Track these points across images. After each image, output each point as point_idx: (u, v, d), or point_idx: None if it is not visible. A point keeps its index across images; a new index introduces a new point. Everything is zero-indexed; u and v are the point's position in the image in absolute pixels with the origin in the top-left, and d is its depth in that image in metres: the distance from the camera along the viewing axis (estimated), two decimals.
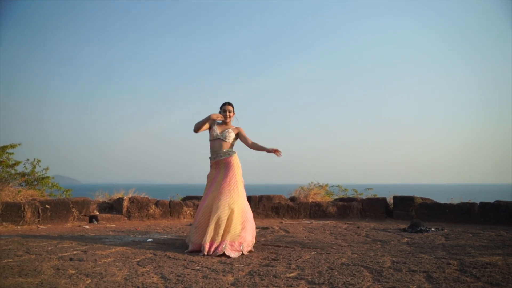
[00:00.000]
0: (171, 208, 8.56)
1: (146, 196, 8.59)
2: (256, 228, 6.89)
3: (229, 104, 5.07)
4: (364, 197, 10.36)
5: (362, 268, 3.64)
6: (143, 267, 3.59)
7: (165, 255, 4.23)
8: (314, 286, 3.04)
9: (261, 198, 9.30)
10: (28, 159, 8.01)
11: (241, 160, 5.04)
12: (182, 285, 2.99)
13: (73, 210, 7.30)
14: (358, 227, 7.23)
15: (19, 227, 6.52)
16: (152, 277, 3.23)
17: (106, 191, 8.82)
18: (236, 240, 4.48)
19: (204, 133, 5.09)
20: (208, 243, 4.37)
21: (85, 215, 7.48)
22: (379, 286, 3.03)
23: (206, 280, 3.14)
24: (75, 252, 4.19)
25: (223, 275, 3.33)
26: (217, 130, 4.98)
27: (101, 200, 8.37)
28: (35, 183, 7.96)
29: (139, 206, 8.18)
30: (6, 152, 7.75)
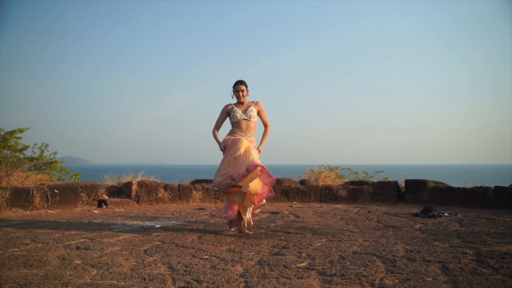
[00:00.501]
0: (180, 192, 8.51)
1: (155, 180, 8.55)
2: (266, 212, 6.84)
3: (241, 83, 4.94)
4: (375, 180, 10.24)
5: (374, 258, 3.54)
6: (151, 256, 3.53)
7: (173, 242, 4.16)
8: (326, 277, 2.95)
9: None
10: (36, 144, 7.99)
11: None
12: (190, 277, 2.91)
13: (82, 194, 7.28)
14: (369, 212, 7.12)
15: (28, 212, 6.51)
16: (159, 267, 3.16)
17: (115, 174, 8.79)
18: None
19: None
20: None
21: (94, 200, 7.46)
22: (393, 277, 2.93)
23: (214, 271, 3.06)
24: (82, 240, 4.14)
25: (232, 265, 3.25)
26: (239, 111, 4.88)
27: (110, 184, 8.35)
28: (44, 167, 7.93)
29: (148, 190, 8.14)
30: (14, 137, 7.72)
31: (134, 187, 8.03)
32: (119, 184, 8.33)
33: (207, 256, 3.58)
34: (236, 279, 2.86)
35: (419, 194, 8.54)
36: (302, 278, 2.91)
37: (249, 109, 4.89)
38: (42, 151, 8.01)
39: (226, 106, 4.97)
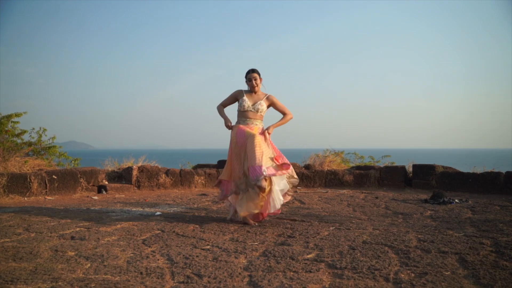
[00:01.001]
0: (181, 177, 8.32)
1: (156, 165, 8.35)
2: None
3: (254, 71, 4.67)
4: (381, 164, 10.02)
5: (386, 248, 3.33)
6: (149, 247, 3.33)
7: (173, 231, 3.96)
8: (336, 271, 2.74)
9: None
10: (33, 128, 7.77)
11: None
12: (190, 270, 2.71)
13: (81, 180, 7.09)
14: (377, 198, 6.91)
15: (25, 198, 6.34)
16: (158, 259, 2.96)
17: (116, 159, 8.59)
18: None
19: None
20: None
21: (93, 185, 7.27)
22: (408, 271, 2.72)
23: (216, 264, 2.86)
24: (77, 229, 3.94)
25: (235, 257, 3.05)
26: (248, 101, 4.63)
27: (110, 169, 8.16)
28: (43, 152, 7.73)
29: (149, 175, 7.94)
30: (12, 121, 7.50)
31: (135, 172, 7.84)
32: (119, 169, 8.14)
33: (208, 247, 3.38)
34: (239, 273, 2.66)
35: (427, 179, 8.32)
36: (310, 271, 2.71)
37: (259, 102, 4.64)
38: (40, 136, 7.79)
39: (238, 91, 4.75)
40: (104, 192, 7.28)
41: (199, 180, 8.46)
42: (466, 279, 2.57)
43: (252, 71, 4.66)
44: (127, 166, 8.08)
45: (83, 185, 7.11)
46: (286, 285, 2.43)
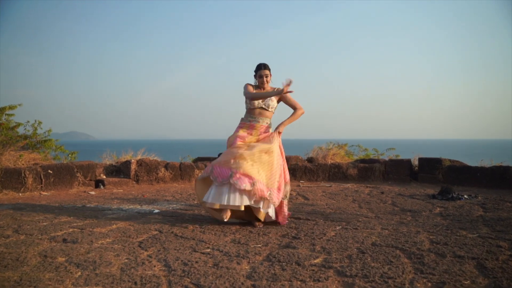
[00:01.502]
0: (181, 171, 8.11)
1: (155, 158, 8.14)
2: None
3: (265, 67, 4.35)
4: (386, 157, 9.81)
5: (398, 252, 3.13)
6: (145, 250, 3.12)
7: (172, 232, 3.75)
8: (346, 279, 2.54)
9: None
10: (28, 121, 7.53)
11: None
12: (188, 279, 2.50)
13: (78, 174, 6.88)
14: (382, 193, 6.70)
15: (20, 194, 6.13)
16: (154, 266, 2.75)
17: (114, 152, 8.38)
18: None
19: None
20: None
21: (90, 180, 7.06)
22: (424, 280, 2.52)
23: (217, 271, 2.65)
24: (70, 230, 3.72)
25: (237, 263, 2.84)
26: None
27: (108, 162, 7.95)
28: (38, 146, 7.51)
29: (148, 169, 7.73)
30: (5, 114, 7.26)
31: (133, 166, 7.63)
32: (117, 163, 7.92)
33: (209, 250, 3.18)
34: (242, 283, 2.45)
35: (433, 173, 8.11)
36: (319, 280, 2.50)
37: (269, 98, 4.34)
38: (36, 129, 7.56)
39: (247, 85, 4.37)
40: (101, 186, 7.07)
41: (200, 174, 8.24)
42: None
43: (264, 67, 4.34)
44: (125, 160, 7.87)
45: (80, 179, 6.90)
46: None
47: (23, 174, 6.23)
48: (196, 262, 2.84)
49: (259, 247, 3.30)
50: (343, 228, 4.00)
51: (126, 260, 2.86)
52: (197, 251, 3.13)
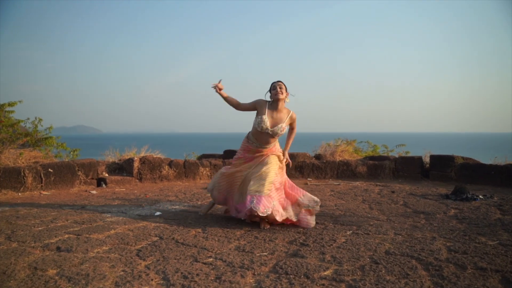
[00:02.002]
0: (186, 169, 7.91)
1: (158, 156, 7.94)
2: None
3: (279, 81, 4.26)
4: (396, 154, 9.55)
5: (414, 262, 2.90)
6: (144, 260, 2.92)
7: (173, 238, 3.55)
8: None
9: None
10: (28, 118, 7.35)
11: None
12: None
13: (79, 173, 6.70)
14: (393, 192, 6.46)
15: (19, 194, 5.96)
16: (151, 279, 2.54)
17: (117, 148, 8.20)
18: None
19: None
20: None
21: (92, 178, 6.88)
22: None
23: (219, 286, 2.44)
24: (66, 237, 3.52)
25: (241, 275, 2.63)
26: (267, 122, 4.15)
27: (111, 160, 7.77)
28: (39, 143, 7.33)
29: (151, 167, 7.54)
30: (5, 111, 7.08)
31: (136, 164, 7.44)
32: (120, 160, 7.74)
33: (211, 259, 2.97)
34: None
35: (445, 171, 7.85)
36: None
37: (280, 126, 4.18)
38: (36, 126, 7.38)
39: (260, 101, 4.26)
40: (103, 185, 6.89)
41: (204, 172, 8.05)
42: None
43: (278, 81, 4.26)
44: (128, 157, 7.68)
45: (81, 178, 6.73)
46: None
47: (22, 173, 6.06)
48: (197, 274, 2.64)
49: (265, 255, 3.09)
50: (354, 233, 3.78)
51: (121, 273, 2.65)
52: (199, 261, 2.93)
